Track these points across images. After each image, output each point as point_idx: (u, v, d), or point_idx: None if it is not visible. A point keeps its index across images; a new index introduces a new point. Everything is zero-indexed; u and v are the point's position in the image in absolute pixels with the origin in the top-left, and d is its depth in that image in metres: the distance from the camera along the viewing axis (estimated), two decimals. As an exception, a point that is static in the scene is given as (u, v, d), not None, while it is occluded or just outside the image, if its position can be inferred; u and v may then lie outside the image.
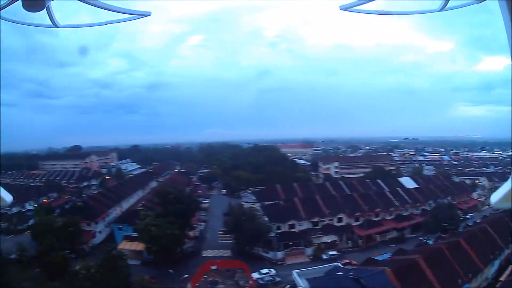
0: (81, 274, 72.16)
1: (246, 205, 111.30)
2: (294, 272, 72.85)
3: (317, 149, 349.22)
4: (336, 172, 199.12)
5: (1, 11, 5.37)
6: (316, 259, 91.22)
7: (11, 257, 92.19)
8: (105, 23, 6.58)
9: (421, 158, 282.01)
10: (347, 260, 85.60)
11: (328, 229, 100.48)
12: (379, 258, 75.69)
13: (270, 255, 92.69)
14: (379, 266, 60.58)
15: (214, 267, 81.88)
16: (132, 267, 79.59)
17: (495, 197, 5.18)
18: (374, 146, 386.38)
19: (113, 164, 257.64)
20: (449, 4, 5.94)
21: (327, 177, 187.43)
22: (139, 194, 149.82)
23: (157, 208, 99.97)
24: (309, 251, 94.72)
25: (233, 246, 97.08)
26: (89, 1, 5.56)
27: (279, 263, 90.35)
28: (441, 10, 6.04)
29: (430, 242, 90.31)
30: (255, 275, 79.49)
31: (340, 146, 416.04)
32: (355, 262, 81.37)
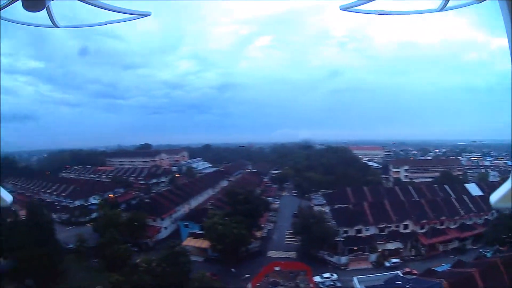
0: (141, 267, 75.00)
1: (315, 208, 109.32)
2: (355, 278, 72.49)
3: (388, 152, 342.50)
4: (405, 176, 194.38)
5: (1, 11, 5.45)
6: (379, 266, 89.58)
7: (69, 246, 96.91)
8: (105, 23, 6.65)
9: (487, 163, 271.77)
10: (408, 269, 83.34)
11: (394, 236, 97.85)
12: (438, 269, 73.32)
13: (334, 259, 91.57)
14: (438, 278, 58.78)
15: (277, 268, 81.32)
16: (195, 264, 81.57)
17: (495, 197, 5.15)
18: (443, 149, 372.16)
19: (184, 162, 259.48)
20: (449, 4, 5.85)
21: (397, 181, 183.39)
22: (209, 192, 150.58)
23: (226, 207, 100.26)
24: (372, 257, 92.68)
25: (299, 248, 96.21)
26: (89, 1, 5.62)
27: (342, 268, 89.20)
28: (441, 10, 5.96)
29: (489, 254, 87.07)
30: (317, 278, 78.89)
31: (410, 149, 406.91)
32: (415, 272, 79.12)
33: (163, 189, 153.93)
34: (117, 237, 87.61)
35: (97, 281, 79.82)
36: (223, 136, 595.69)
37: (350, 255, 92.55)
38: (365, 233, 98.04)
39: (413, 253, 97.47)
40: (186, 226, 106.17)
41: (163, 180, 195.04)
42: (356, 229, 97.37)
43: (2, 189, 5.62)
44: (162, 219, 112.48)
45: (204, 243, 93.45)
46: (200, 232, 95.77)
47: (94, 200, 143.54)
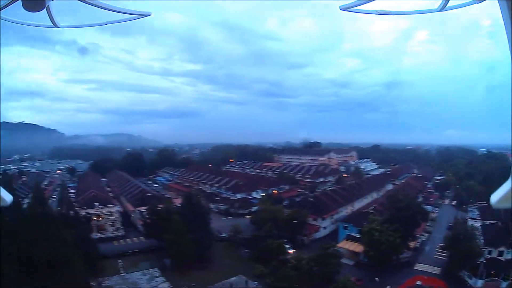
0: (290, 263, 77.53)
1: (469, 221, 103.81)
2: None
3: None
4: None
5: (1, 11, 5.54)
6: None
7: (221, 235, 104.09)
8: (105, 23, 6.66)
9: None
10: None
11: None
12: None
13: (472, 281, 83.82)
14: None
15: (418, 282, 77.91)
16: (344, 267, 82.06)
17: (495, 197, 5.11)
18: None
19: (352, 162, 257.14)
20: (449, 4, 5.80)
21: None
22: (373, 195, 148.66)
23: (386, 213, 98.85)
24: (503, 284, 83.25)
25: (445, 264, 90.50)
26: (89, 1, 5.66)
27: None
28: (441, 10, 5.90)
29: None
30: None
31: None
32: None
33: (329, 189, 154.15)
34: (274, 231, 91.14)
35: (241, 270, 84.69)
36: (392, 136, 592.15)
37: (486, 279, 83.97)
38: (506, 256, 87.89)
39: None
40: (345, 228, 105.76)
41: (329, 180, 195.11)
42: (499, 251, 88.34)
43: (2, 189, 5.64)
44: (323, 219, 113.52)
45: (358, 247, 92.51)
46: (357, 235, 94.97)
47: (256, 195, 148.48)
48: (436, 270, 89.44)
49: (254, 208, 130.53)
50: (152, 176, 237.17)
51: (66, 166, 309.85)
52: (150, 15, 6.31)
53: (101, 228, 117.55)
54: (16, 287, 61.84)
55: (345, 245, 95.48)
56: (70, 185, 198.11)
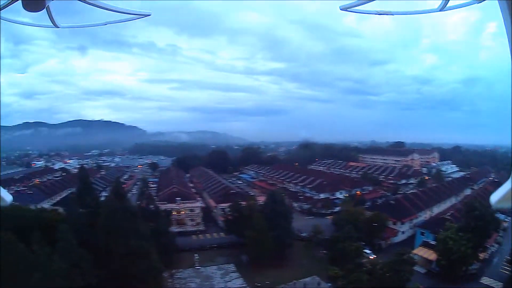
0: (365, 267, 76.78)
1: None
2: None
3: None
4: None
5: (1, 11, 5.50)
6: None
7: (302, 234, 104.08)
8: (105, 23, 6.67)
9: None
10: None
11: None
12: None
13: None
14: None
15: None
16: (416, 274, 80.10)
17: (495, 197, 5.01)
18: None
19: (434, 164, 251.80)
20: (449, 4, 5.78)
21: None
22: (452, 200, 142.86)
23: (461, 220, 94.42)
24: None
25: (507, 279, 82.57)
26: (89, 1, 5.61)
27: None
28: (441, 10, 5.87)
29: None
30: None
31: None
32: None
33: (410, 191, 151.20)
34: (353, 233, 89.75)
35: (317, 271, 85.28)
36: (473, 136, 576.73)
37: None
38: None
39: None
40: (422, 234, 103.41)
41: (411, 182, 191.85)
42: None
43: (2, 189, 5.63)
44: (402, 223, 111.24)
45: (432, 255, 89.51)
46: (433, 242, 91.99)
47: (340, 195, 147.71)
48: (498, 285, 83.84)
49: (337, 209, 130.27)
50: (236, 173, 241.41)
51: (148, 161, 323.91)
52: (149, 15, 6.26)
53: (181, 223, 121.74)
54: (94, 276, 65.18)
55: (420, 252, 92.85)
56: (151, 180, 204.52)
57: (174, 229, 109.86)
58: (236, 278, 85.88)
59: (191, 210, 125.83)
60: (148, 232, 79.80)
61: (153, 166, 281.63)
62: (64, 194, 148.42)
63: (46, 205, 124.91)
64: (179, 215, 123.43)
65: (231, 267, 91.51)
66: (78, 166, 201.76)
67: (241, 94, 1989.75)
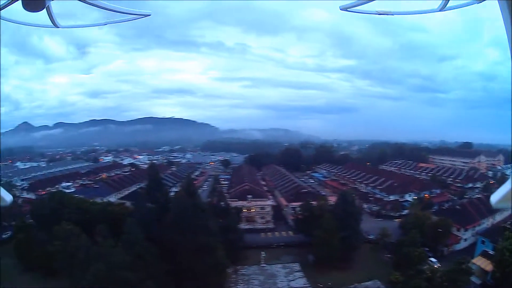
0: (425, 274, 74.89)
1: None
2: None
3: None
4: None
5: (1, 11, 5.53)
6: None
7: (369, 237, 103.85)
8: (105, 23, 6.63)
9: None
10: None
11: None
12: None
13: None
14: None
15: None
16: (472, 285, 79.16)
17: (495, 197, 5.06)
18: None
19: (499, 167, 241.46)
20: (449, 4, 5.81)
21: None
22: None
23: None
24: None
25: None
26: (89, 1, 5.56)
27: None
28: (441, 10, 5.88)
29: None
30: None
31: None
32: None
33: (474, 196, 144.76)
34: (417, 238, 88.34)
35: (380, 275, 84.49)
36: None
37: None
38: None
39: None
40: (482, 242, 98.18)
41: (477, 186, 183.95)
42: None
43: (2, 189, 5.68)
44: (466, 230, 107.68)
45: (489, 266, 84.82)
46: (491, 252, 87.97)
47: (409, 197, 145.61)
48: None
49: (405, 211, 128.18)
50: (309, 172, 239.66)
51: (220, 158, 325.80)
52: (149, 15, 6.21)
53: (251, 220, 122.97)
54: (159, 269, 66.86)
55: (478, 261, 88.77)
56: (223, 177, 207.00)
57: (244, 226, 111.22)
58: (299, 277, 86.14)
59: (262, 208, 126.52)
60: (217, 228, 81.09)
61: (225, 163, 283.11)
62: (132, 188, 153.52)
63: (112, 199, 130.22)
64: (250, 213, 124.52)
65: (296, 266, 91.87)
66: (148, 161, 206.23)
67: (312, 91, 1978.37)
